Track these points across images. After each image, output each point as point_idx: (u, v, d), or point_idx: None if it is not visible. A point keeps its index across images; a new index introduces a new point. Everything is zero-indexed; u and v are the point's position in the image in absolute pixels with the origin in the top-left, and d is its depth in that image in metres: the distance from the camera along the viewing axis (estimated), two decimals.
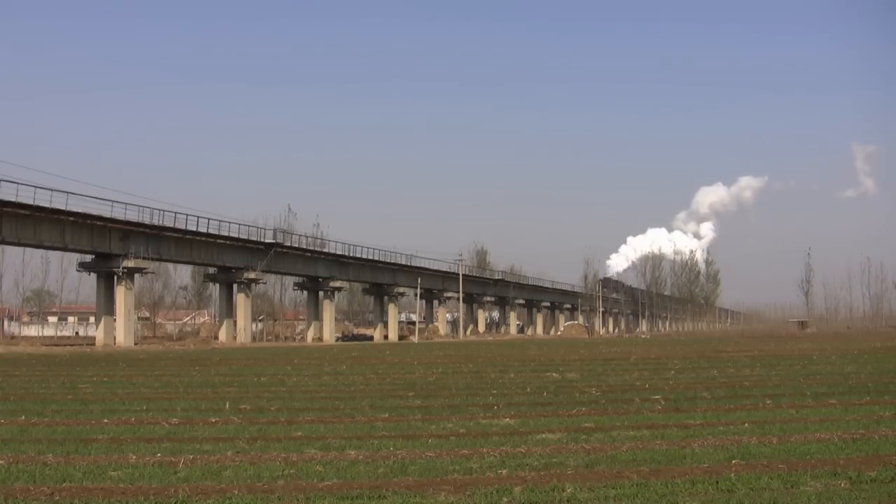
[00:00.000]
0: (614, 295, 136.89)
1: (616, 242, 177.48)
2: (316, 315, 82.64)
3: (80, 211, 55.04)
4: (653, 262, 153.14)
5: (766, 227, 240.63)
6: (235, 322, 74.12)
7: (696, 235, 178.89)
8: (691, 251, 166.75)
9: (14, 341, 70.10)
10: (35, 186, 51.33)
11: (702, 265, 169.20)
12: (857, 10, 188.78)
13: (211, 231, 66.20)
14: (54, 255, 77.64)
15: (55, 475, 9.34)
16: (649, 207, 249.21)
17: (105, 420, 14.30)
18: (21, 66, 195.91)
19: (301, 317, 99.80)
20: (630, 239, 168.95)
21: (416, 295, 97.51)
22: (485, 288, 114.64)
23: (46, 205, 52.31)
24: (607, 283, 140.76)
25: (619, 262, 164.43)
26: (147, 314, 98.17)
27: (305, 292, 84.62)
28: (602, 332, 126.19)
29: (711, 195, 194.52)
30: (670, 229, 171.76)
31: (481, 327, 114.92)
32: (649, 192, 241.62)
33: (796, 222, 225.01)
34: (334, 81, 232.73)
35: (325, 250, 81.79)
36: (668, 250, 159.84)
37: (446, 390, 20.18)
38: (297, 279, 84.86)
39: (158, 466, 9.80)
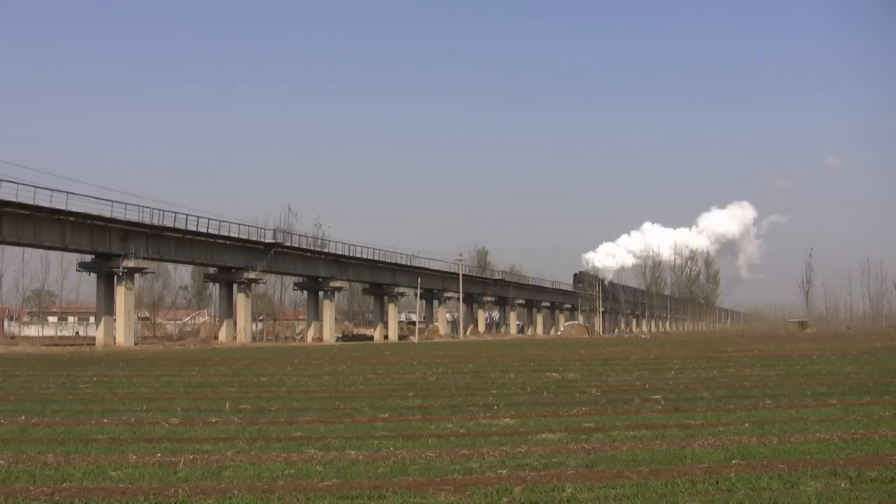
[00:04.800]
0: (590, 291, 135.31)
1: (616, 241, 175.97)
2: (316, 315, 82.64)
3: (80, 211, 55.11)
4: (653, 262, 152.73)
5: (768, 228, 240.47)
6: (235, 322, 74.14)
7: (758, 229, 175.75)
8: (702, 254, 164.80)
9: (14, 341, 70.06)
10: (35, 186, 51.50)
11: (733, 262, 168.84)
12: (857, 9, 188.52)
13: (211, 231, 66.25)
14: (54, 255, 77.77)
15: (55, 475, 9.33)
16: (649, 207, 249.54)
17: (105, 420, 14.29)
18: (21, 66, 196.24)
19: (301, 317, 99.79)
20: (650, 232, 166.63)
21: (416, 295, 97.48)
22: (485, 288, 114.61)
23: (46, 205, 52.37)
24: (582, 278, 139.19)
25: (600, 259, 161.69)
26: (147, 314, 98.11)
27: (305, 292, 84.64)
28: (601, 332, 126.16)
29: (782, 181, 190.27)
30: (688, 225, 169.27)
31: (481, 327, 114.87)
32: (650, 192, 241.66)
33: (796, 223, 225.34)
34: (334, 81, 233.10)
35: (325, 250, 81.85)
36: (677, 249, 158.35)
37: (446, 390, 20.17)
38: (297, 279, 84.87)
39: (158, 466, 9.80)
